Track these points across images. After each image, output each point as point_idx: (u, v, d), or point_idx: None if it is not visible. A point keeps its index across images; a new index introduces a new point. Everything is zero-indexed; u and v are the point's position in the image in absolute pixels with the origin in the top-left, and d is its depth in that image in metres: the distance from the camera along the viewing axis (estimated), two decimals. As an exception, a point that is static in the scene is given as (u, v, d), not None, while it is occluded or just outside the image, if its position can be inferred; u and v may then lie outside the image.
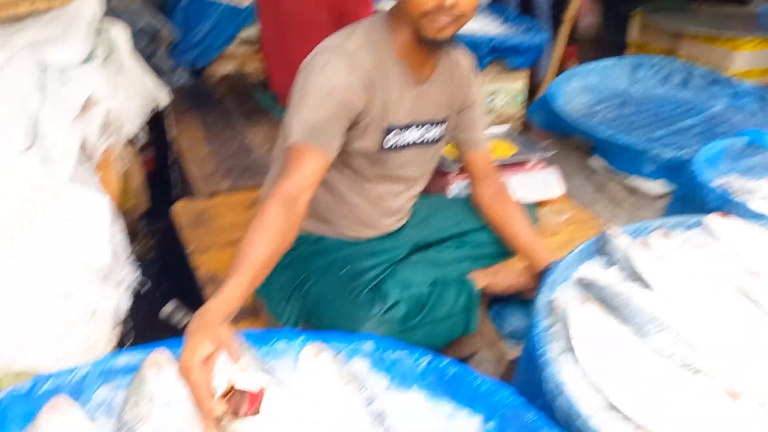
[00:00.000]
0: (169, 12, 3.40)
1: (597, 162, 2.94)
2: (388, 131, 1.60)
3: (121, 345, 1.61)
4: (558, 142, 3.03)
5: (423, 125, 1.68)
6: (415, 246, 1.85)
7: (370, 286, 1.60)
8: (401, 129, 1.63)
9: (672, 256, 1.57)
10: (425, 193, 1.93)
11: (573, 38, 4.15)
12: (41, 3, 1.78)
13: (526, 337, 1.37)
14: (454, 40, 1.60)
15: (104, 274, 1.36)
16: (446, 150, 2.21)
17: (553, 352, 1.29)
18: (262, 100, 3.29)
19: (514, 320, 2.04)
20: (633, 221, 1.67)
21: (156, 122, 3.06)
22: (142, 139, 3.01)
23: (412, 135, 1.66)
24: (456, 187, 2.32)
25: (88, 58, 1.83)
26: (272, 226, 1.30)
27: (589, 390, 1.21)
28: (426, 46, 1.55)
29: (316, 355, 1.25)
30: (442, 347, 1.71)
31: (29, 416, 1.11)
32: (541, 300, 1.42)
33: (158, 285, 2.52)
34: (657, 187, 2.71)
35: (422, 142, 1.71)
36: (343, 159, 1.63)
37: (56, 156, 1.37)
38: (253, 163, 2.66)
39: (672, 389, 1.21)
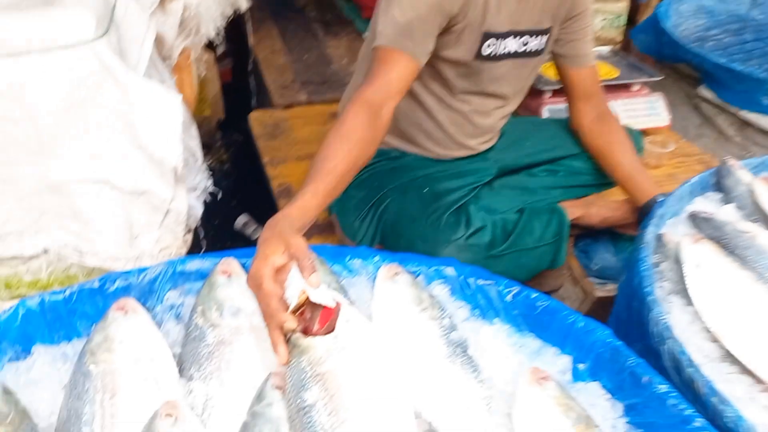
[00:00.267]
0: None
1: (706, 93, 2.66)
2: (486, 38, 1.44)
3: (192, 253, 1.57)
4: (664, 68, 2.75)
5: (524, 34, 1.50)
6: (503, 170, 1.71)
7: (452, 209, 1.49)
8: (500, 37, 1.46)
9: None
10: (515, 114, 1.77)
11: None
12: None
13: (630, 274, 1.22)
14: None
15: (177, 177, 1.29)
16: (541, 68, 2.02)
17: (660, 291, 1.14)
18: (344, 9, 3.12)
19: (603, 257, 1.89)
20: (743, 159, 1.47)
21: (235, 32, 2.97)
22: (221, 47, 2.92)
23: (511, 44, 1.49)
24: (549, 109, 2.13)
25: (167, -50, 1.72)
26: (354, 134, 1.18)
27: (702, 336, 1.06)
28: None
29: (393, 277, 1.15)
30: (524, 280, 1.58)
31: (99, 313, 1.06)
32: (649, 234, 1.26)
33: (232, 197, 2.50)
34: (774, 123, 2.43)
35: (522, 53, 1.53)
36: (433, 68, 1.48)
37: (131, 47, 1.29)
38: (333, 75, 2.54)
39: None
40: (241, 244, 1.51)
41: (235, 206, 2.43)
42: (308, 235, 1.13)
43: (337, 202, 1.62)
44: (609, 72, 2.27)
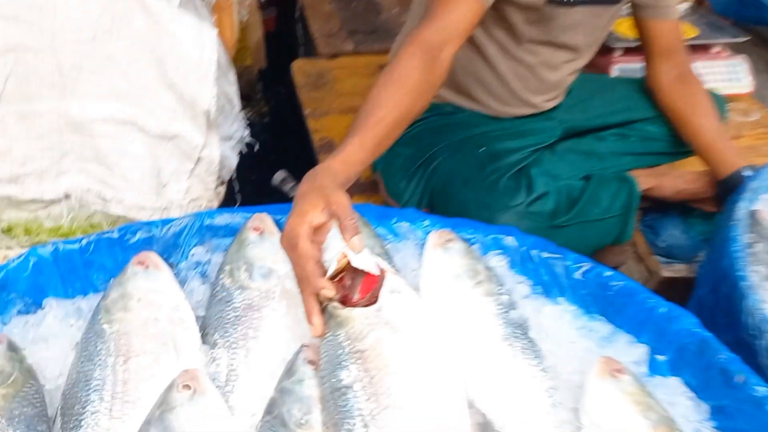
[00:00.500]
0: None
1: (793, 59, 2.41)
2: (561, -21, 1.26)
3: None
4: (746, 31, 2.50)
5: (603, -22, 1.32)
6: (568, 131, 1.55)
7: (512, 172, 1.34)
8: (576, -22, 1.28)
9: None
10: (583, 72, 1.59)
11: None
12: None
13: (716, 255, 1.06)
14: None
15: (210, 122, 1.17)
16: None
17: (755, 276, 0.98)
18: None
19: (672, 234, 1.72)
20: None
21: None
22: (265, -8, 2.76)
23: (588, -11, 1.31)
24: (619, 69, 1.94)
25: None
26: (408, 80, 1.03)
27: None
28: None
29: (445, 245, 1.01)
30: (586, 255, 1.43)
31: (117, 267, 0.96)
32: (740, 211, 1.09)
33: (271, 151, 2.38)
34: None
35: (599, 0, 1.35)
36: (498, 13, 1.32)
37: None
38: (382, 24, 2.37)
39: None
40: (278, 201, 1.39)
41: (274, 161, 2.32)
42: (349, 193, 1.00)
43: (382, 160, 1.47)
44: (687, 31, 2.05)
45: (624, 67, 1.94)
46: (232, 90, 1.58)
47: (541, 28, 1.35)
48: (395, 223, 1.06)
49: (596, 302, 1.00)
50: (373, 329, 0.81)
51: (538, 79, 1.46)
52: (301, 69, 2.10)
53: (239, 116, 1.57)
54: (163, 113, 1.14)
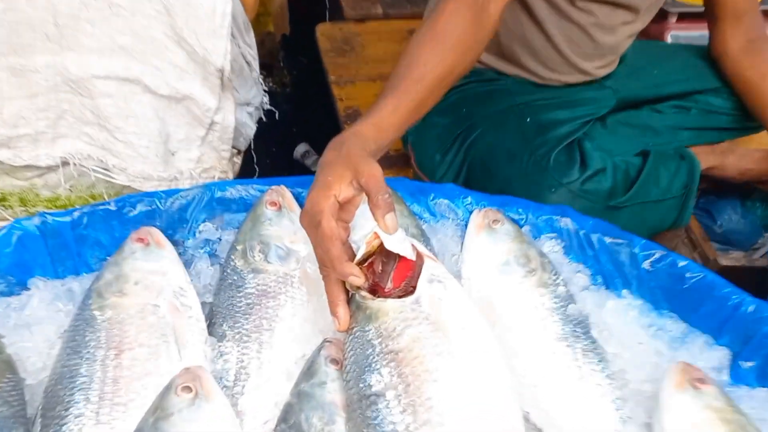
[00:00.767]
0: None
1: None
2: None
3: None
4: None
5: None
6: (622, 102, 1.40)
7: (562, 145, 1.19)
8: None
9: None
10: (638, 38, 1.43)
11: None
12: None
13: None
14: None
15: (224, 83, 1.04)
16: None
17: None
18: None
19: (729, 219, 1.58)
20: None
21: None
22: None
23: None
24: (674, 36, 1.77)
25: None
26: (452, 34, 0.89)
27: None
28: None
29: (491, 226, 0.88)
30: (640, 240, 1.29)
31: (115, 244, 0.85)
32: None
33: (293, 123, 2.25)
34: None
35: (665, -49, 1.19)
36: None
37: None
38: (415, -15, 2.21)
39: None
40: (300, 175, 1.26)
41: (296, 134, 2.20)
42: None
43: (414, 131, 1.35)
44: (750, -5, 1.87)
45: (679, 34, 1.77)
46: (251, 52, 1.44)
47: (598, -16, 1.20)
48: (433, 200, 0.93)
49: (667, 296, 0.86)
50: (410, 325, 0.68)
51: (592, 42, 1.30)
52: (326, 33, 1.96)
53: (258, 81, 1.43)
54: (171, 71, 1.01)
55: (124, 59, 1.00)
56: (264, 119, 1.49)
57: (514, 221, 0.90)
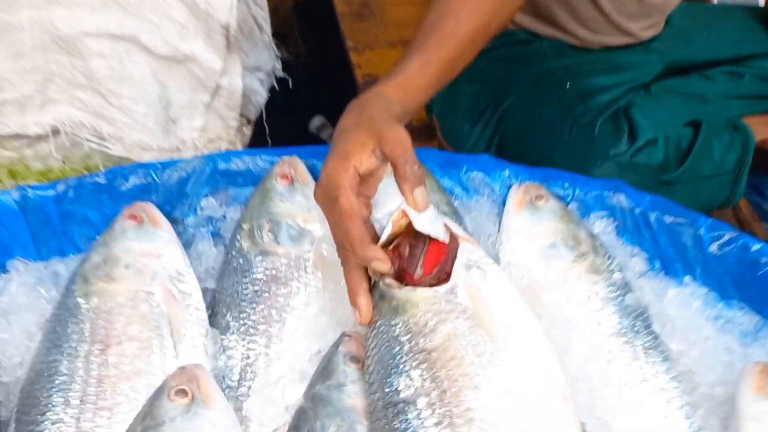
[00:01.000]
0: None
1: None
2: None
3: (250, 151, 1.24)
4: None
5: None
6: (670, 67, 1.28)
7: (606, 114, 1.08)
8: None
9: None
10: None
11: None
12: None
13: None
14: None
15: (230, 42, 0.93)
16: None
17: None
18: None
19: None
20: None
21: None
22: None
23: None
24: (721, -2, 1.63)
25: None
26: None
27: None
28: None
29: (534, 203, 0.77)
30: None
31: (105, 221, 0.76)
32: None
33: (308, 94, 2.16)
34: None
35: None
36: None
37: None
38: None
39: None
40: (315, 145, 1.16)
41: (311, 106, 2.11)
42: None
43: (441, 99, 1.26)
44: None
45: (727, -5, 1.63)
46: (262, 13, 1.33)
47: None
48: (465, 173, 0.83)
49: (737, 284, 0.75)
50: (444, 320, 0.58)
51: (637, 0, 1.18)
52: (344, -4, 1.86)
53: (270, 45, 1.32)
54: (170, 28, 0.91)
55: (118, 14, 0.90)
56: (276, 87, 1.39)
57: (559, 197, 0.79)
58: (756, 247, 0.74)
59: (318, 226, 0.74)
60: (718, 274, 0.75)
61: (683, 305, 0.73)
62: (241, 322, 0.68)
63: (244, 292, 0.70)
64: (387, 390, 0.56)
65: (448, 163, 0.83)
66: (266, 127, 1.39)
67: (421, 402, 0.54)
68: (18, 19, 0.89)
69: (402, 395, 0.55)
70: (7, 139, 0.97)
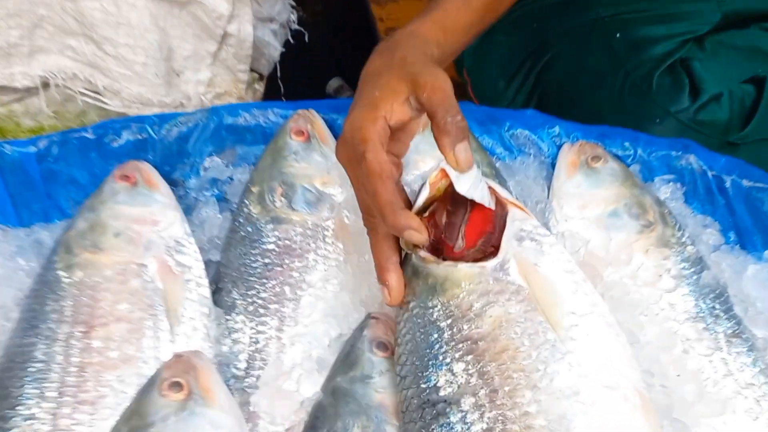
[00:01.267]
0: None
1: None
2: None
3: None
4: None
5: None
6: (727, 18, 1.15)
7: (662, 67, 0.96)
8: None
9: None
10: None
11: None
12: None
13: None
14: None
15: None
16: None
17: None
18: None
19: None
20: None
21: None
22: None
23: None
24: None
25: None
26: None
27: None
28: None
29: (590, 165, 0.66)
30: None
31: (94, 183, 0.66)
32: None
33: (325, 55, 2.06)
34: None
35: None
36: None
37: None
38: None
39: None
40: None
41: (329, 66, 2.01)
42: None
43: (473, 53, 1.16)
44: None
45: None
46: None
47: None
48: (508, 130, 0.72)
49: (829, 262, 0.63)
50: (492, 303, 0.48)
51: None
52: (364, -55, 1.75)
53: (284, -6, 1.21)
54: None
55: (112, -51, 0.79)
56: (292, 42, 1.28)
57: (619, 158, 0.68)
58: None
59: (339, 189, 0.65)
60: (805, 247, 0.65)
61: (764, 285, 0.62)
62: (250, 300, 0.59)
63: (253, 265, 0.61)
64: (423, 386, 0.47)
65: (489, 119, 0.72)
66: (281, 85, 1.29)
67: (467, 402, 0.45)
68: (-1, -46, 0.79)
69: (442, 393, 0.46)
70: (-8, 92, 0.88)
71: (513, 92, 1.10)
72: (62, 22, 0.84)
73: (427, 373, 0.47)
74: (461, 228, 0.52)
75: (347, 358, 0.53)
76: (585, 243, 0.61)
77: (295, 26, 1.24)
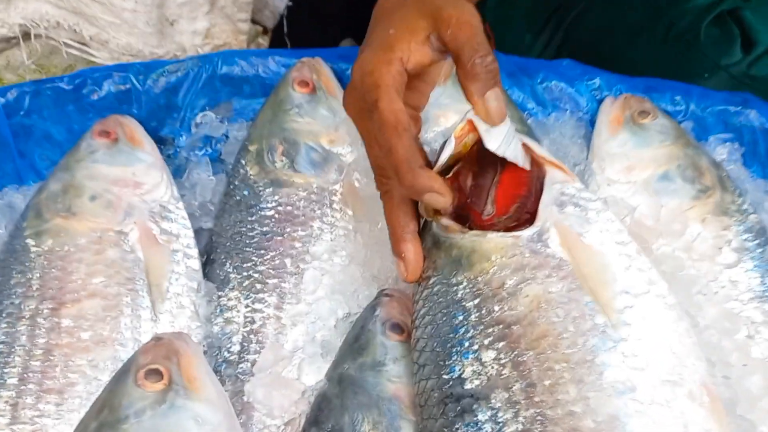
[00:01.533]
0: None
1: None
2: None
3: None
4: None
5: None
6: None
7: (708, 18, 0.87)
8: None
9: None
10: None
11: None
12: None
13: None
14: None
15: None
16: None
17: None
18: None
19: None
20: None
21: None
22: None
23: None
24: None
25: None
26: None
27: None
28: None
29: (636, 120, 0.59)
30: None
31: (74, 137, 0.60)
32: None
33: (335, 13, 1.98)
34: None
35: None
36: None
37: None
38: None
39: None
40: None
41: (338, 25, 1.93)
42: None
43: (495, 5, 1.06)
44: None
45: None
46: None
47: None
48: (542, 83, 0.66)
49: None
50: (530, 280, 0.41)
51: None
52: None
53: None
54: None
55: None
56: (299, -5, 1.20)
57: (669, 114, 0.60)
58: None
59: (348, 148, 0.59)
60: None
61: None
62: (245, 274, 0.54)
63: (250, 234, 0.56)
64: (445, 376, 0.40)
65: (519, 70, 0.65)
66: (287, 40, 1.21)
67: (498, 398, 0.37)
68: None
69: (468, 386, 0.39)
70: (-30, 44, 0.81)
71: (540, 47, 1.01)
72: (43, -36, 0.76)
73: (450, 361, 0.40)
74: (491, 191, 0.45)
75: (356, 342, 0.46)
76: (631, 210, 0.53)
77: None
